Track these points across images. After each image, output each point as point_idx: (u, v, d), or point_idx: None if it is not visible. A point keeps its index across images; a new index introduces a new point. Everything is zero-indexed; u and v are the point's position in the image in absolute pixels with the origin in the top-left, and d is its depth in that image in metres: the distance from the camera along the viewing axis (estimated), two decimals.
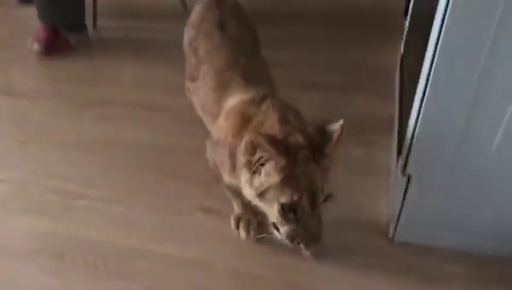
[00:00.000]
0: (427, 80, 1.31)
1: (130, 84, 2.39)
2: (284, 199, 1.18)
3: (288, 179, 1.17)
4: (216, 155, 1.49)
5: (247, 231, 1.64)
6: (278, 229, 1.27)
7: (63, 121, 2.19)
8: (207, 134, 1.67)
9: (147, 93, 2.31)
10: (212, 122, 1.57)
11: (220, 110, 1.49)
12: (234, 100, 1.44)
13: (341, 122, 1.23)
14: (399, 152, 1.63)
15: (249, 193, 1.27)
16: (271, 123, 1.29)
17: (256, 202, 1.28)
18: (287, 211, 1.19)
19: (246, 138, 1.19)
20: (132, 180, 1.89)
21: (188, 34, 1.83)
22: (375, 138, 1.94)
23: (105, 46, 2.68)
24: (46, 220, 1.77)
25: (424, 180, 1.51)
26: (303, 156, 1.19)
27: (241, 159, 1.24)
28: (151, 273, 1.59)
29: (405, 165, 1.51)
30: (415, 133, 1.42)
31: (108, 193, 1.84)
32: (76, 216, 1.78)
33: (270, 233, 1.30)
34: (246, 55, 1.62)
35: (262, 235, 1.49)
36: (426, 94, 1.33)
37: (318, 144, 1.23)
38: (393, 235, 1.65)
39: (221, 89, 1.52)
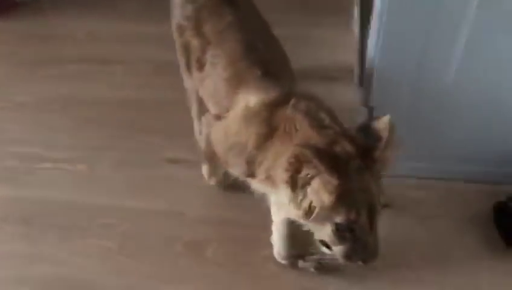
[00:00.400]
0: (382, 8, 1.27)
1: (84, 39, 2.29)
2: (339, 219, 1.02)
3: (343, 197, 1.00)
4: (220, 148, 1.32)
5: (219, 178, 1.63)
6: (327, 246, 1.12)
7: (16, 83, 2.10)
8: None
9: (102, 47, 2.22)
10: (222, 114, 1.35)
11: (232, 102, 1.28)
12: (254, 99, 1.21)
13: (387, 118, 1.06)
14: (361, 84, 1.61)
15: (294, 213, 1.09)
16: (304, 130, 1.10)
17: (302, 221, 1.11)
18: (342, 230, 1.04)
19: (292, 152, 1.02)
20: (94, 138, 1.84)
21: (182, 9, 1.48)
22: (338, 73, 1.91)
23: (55, 0, 2.54)
24: (9, 186, 1.72)
25: (386, 111, 1.50)
26: (355, 167, 1.02)
27: (282, 174, 1.06)
28: (122, 228, 1.58)
29: (367, 97, 1.50)
30: (374, 64, 1.40)
31: (71, 153, 1.80)
32: (40, 180, 1.74)
33: (316, 253, 1.17)
34: (261, 38, 1.39)
35: (307, 264, 1.39)
36: (383, 23, 1.30)
37: (367, 148, 1.05)
38: None
39: (236, 81, 1.29)
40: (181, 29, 1.48)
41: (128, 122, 1.87)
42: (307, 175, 1.02)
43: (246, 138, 1.20)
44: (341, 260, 1.11)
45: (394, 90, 1.44)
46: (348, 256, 1.08)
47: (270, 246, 1.46)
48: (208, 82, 1.40)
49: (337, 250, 1.09)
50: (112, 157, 1.77)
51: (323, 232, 1.07)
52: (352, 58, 1.91)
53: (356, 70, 1.80)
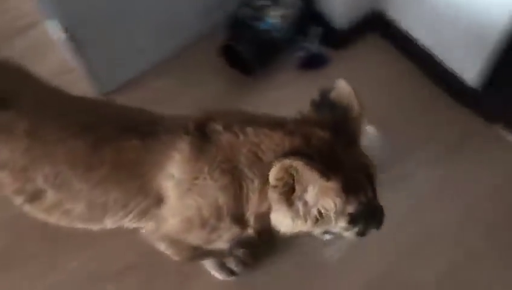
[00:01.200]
0: None
1: None
2: (351, 209, 0.95)
3: (348, 188, 0.92)
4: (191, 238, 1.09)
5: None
6: (328, 232, 1.04)
7: None
8: None
9: None
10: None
11: (150, 198, 1.03)
12: (175, 169, 0.99)
13: (344, 83, 0.97)
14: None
15: (303, 227, 0.97)
16: (269, 139, 0.94)
17: (312, 230, 1.01)
18: (356, 214, 0.96)
19: (279, 167, 0.87)
20: None
21: None
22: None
23: None
24: None
25: (81, 28, 1.48)
26: (341, 150, 0.93)
27: (272, 194, 0.93)
28: None
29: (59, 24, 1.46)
30: None
31: None
32: None
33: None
34: (81, 109, 1.07)
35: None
36: None
37: (338, 123, 0.95)
38: (101, 90, 1.66)
39: (121, 173, 1.01)
40: None
41: None
42: (301, 186, 0.91)
43: (209, 204, 0.99)
44: (353, 238, 1.05)
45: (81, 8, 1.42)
46: (362, 233, 1.03)
47: None
48: (76, 207, 1.05)
49: (350, 233, 1.03)
50: None
51: (336, 227, 1.00)
52: None
53: None
